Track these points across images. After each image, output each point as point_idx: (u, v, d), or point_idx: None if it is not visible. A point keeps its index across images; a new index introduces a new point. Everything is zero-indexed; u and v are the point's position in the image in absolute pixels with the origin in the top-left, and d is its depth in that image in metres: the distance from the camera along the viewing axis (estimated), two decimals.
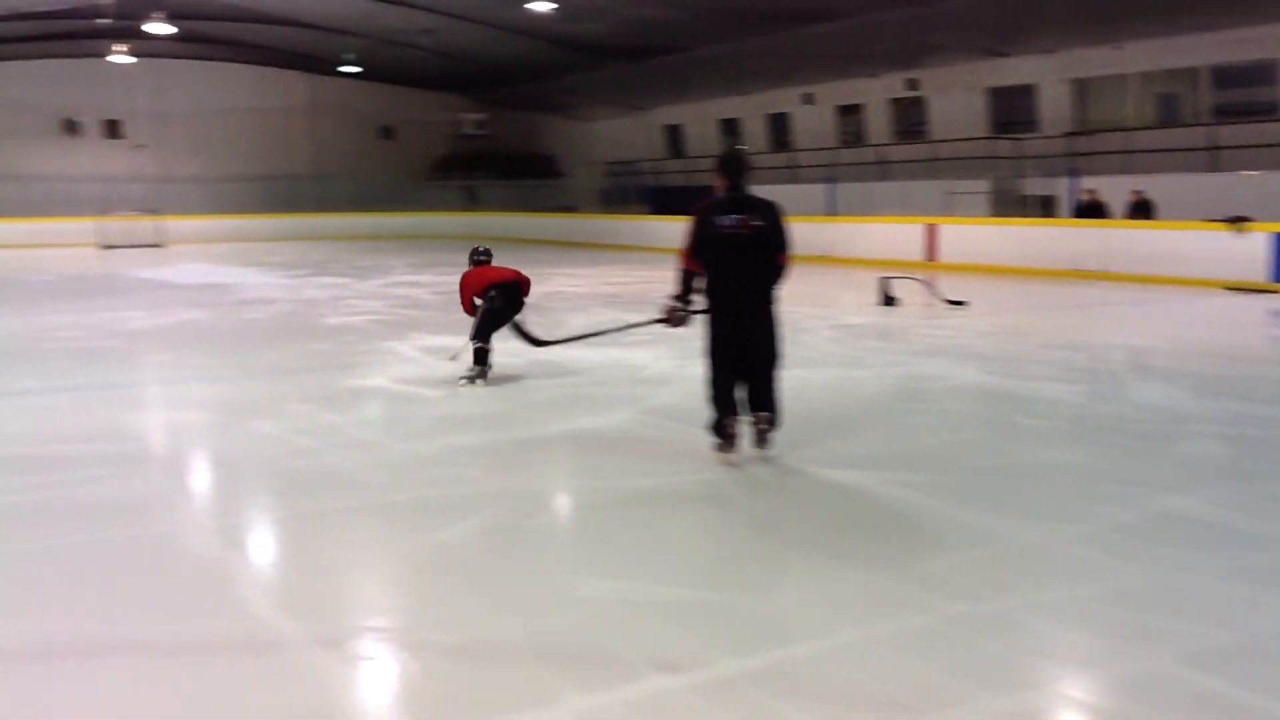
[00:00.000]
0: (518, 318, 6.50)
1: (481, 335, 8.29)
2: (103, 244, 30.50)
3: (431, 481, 5.66)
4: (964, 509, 5.07)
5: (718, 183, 5.77)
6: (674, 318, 5.88)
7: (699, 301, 5.80)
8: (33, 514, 5.16)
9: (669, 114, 34.11)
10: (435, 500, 5.33)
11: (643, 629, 3.75)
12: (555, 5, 22.53)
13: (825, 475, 5.67)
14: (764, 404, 5.81)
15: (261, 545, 4.94)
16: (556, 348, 8.82)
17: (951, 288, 14.13)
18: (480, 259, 8.94)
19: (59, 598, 4.13)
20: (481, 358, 8.34)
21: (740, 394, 5.80)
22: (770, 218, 5.70)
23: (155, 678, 3.45)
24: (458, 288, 8.64)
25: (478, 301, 8.36)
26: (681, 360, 9.31)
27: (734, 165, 5.83)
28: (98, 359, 10.13)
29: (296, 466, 5.99)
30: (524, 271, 8.67)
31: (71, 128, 34.47)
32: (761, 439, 5.86)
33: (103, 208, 32.40)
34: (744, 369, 5.74)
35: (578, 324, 12.00)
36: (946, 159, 23.78)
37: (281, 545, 4.89)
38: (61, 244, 30.69)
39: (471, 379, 8.29)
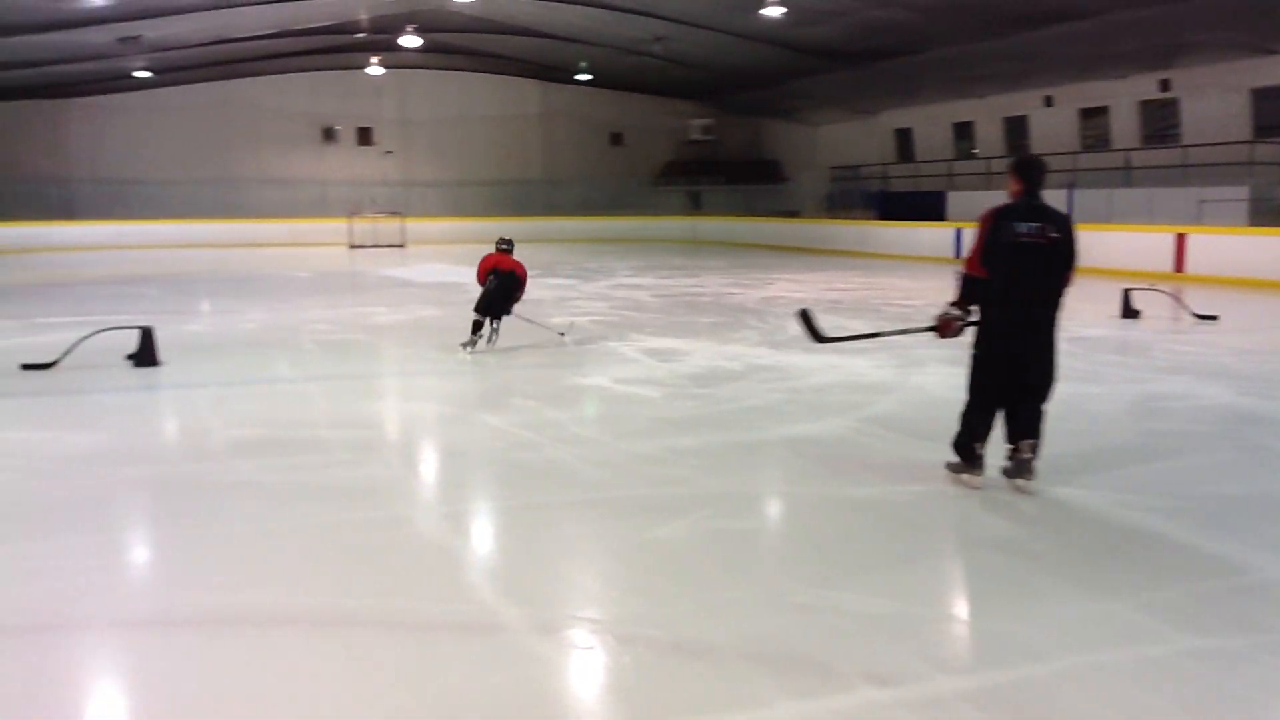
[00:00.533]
0: (805, 309, 6.49)
1: (480, 309, 10.07)
2: (351, 244, 32.69)
3: (648, 480, 5.76)
4: (1208, 538, 4.73)
5: (1012, 187, 5.33)
6: (952, 327, 5.49)
7: (974, 312, 5.45)
8: (284, 492, 5.60)
9: (898, 117, 33.33)
10: (651, 499, 5.43)
11: (855, 639, 3.70)
12: (786, 9, 22.45)
13: (1057, 494, 5.41)
14: (1031, 430, 5.38)
15: (486, 533, 5.17)
16: (826, 346, 8.64)
17: (1200, 301, 13.18)
18: (502, 248, 10.45)
19: (304, 569, 4.46)
20: (476, 328, 10.07)
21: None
22: (1066, 230, 5.25)
23: (385, 651, 3.67)
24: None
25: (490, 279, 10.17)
26: (903, 368, 9.12)
27: (1033, 170, 5.36)
28: (345, 351, 10.86)
29: (521, 459, 6.23)
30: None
31: (329, 135, 37.07)
32: (1024, 469, 5.39)
33: (352, 210, 34.77)
34: (1015, 390, 5.37)
35: (798, 330, 11.90)
36: (1199, 164, 22.16)
37: (504, 533, 5.10)
38: (316, 243, 33.12)
39: (465, 345, 10.03)
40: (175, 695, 3.36)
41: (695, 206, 38.96)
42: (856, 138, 35.14)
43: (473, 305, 10.20)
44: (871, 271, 21.96)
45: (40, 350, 9.74)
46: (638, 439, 6.71)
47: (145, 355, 9.39)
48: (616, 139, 40.28)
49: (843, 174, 35.10)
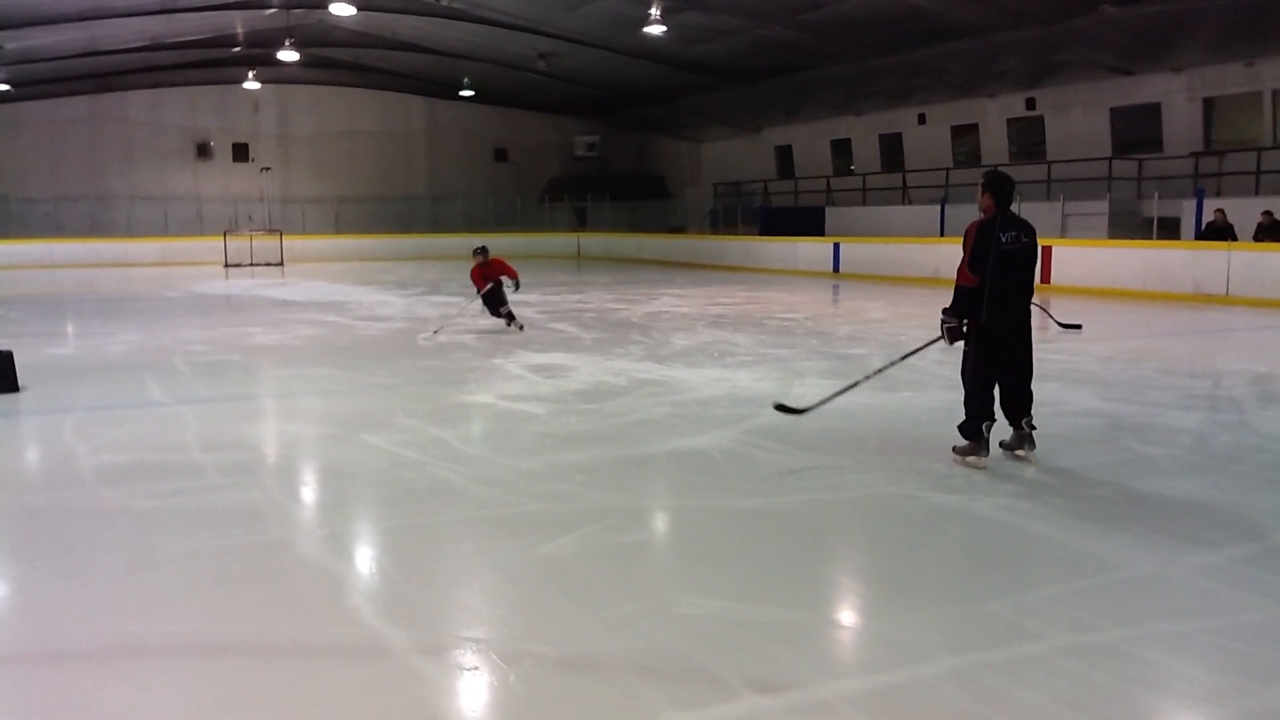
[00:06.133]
0: (779, 404, 7.00)
1: (493, 312, 13.39)
2: (227, 263, 31.78)
3: (535, 496, 5.73)
4: (1077, 537, 4.92)
5: (985, 202, 6.17)
6: (957, 334, 6.23)
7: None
8: (156, 518, 5.40)
9: (779, 134, 34.01)
10: (538, 515, 5.40)
11: (742, 648, 3.73)
12: (668, 28, 22.70)
13: (929, 499, 5.57)
14: (1027, 406, 6.30)
15: (369, 554, 5.06)
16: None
17: (1066, 311, 13.74)
18: (479, 258, 13.40)
19: (180, 597, 4.30)
20: (510, 317, 13.33)
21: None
22: (1032, 237, 6.17)
23: (267, 678, 3.56)
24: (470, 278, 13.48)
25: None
26: (784, 379, 9.28)
27: (1003, 185, 6.16)
28: (221, 372, 10.53)
29: (405, 478, 6.13)
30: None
31: (203, 151, 36.05)
32: (1027, 440, 6.33)
33: (229, 227, 33.82)
34: (1007, 376, 6.22)
35: (682, 344, 12.04)
36: (1064, 180, 23.17)
37: (388, 554, 5.00)
38: (190, 262, 32.10)
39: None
40: None
41: (581, 223, 39.05)
42: (740, 154, 35.74)
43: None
44: (755, 285, 22.31)
45: None
46: (524, 455, 6.67)
47: (3, 380, 8.93)
48: (502, 155, 40.16)
49: (726, 190, 35.64)
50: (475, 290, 13.42)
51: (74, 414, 8.21)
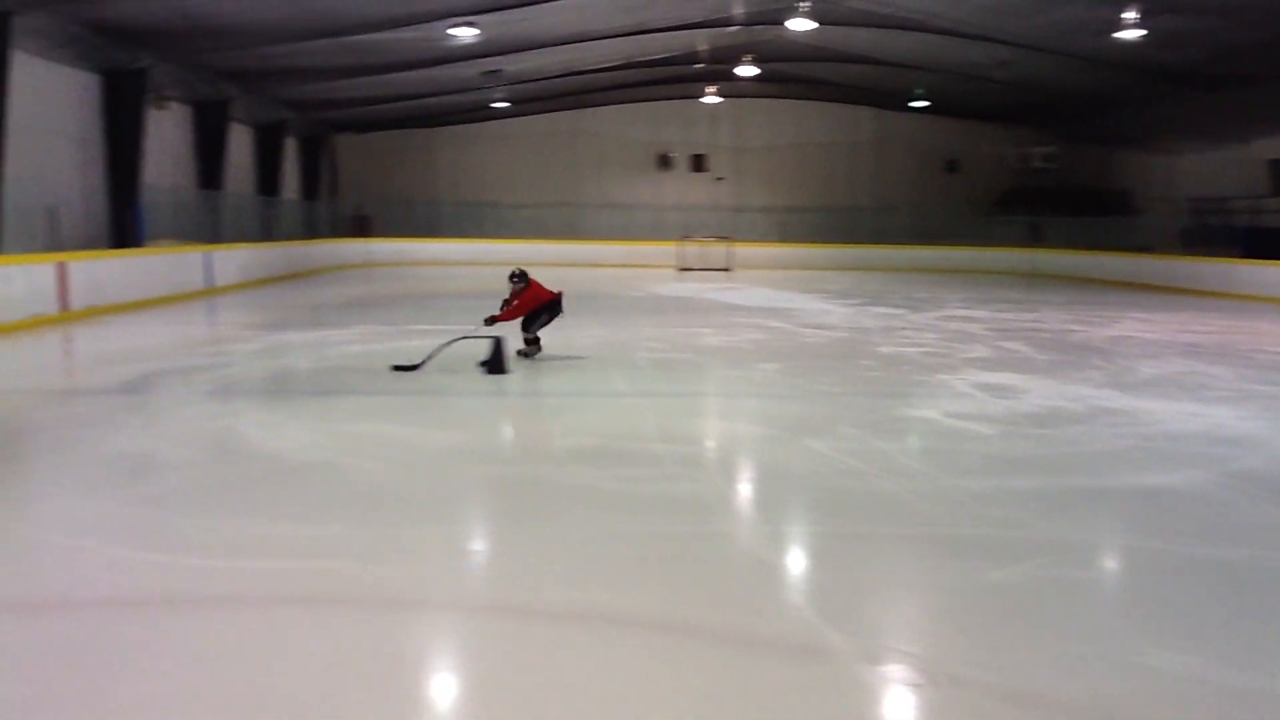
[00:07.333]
0: None
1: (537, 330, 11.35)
2: (680, 266, 33.75)
3: (982, 520, 5.52)
4: None
5: None
6: None
7: None
8: (618, 499, 5.85)
9: (1273, 147, 30.18)
10: (985, 539, 5.20)
11: (1213, 712, 3.36)
12: (1145, 32, 20.92)
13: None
14: None
15: (809, 556, 5.14)
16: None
17: None
18: (520, 284, 11.27)
19: (635, 574, 4.63)
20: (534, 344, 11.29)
21: None
22: None
23: (711, 662, 3.75)
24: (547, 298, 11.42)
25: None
26: (1275, 421, 8.23)
27: None
28: (675, 369, 11.19)
29: (846, 486, 6.16)
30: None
31: (664, 162, 38.53)
32: None
33: (683, 234, 35.92)
34: None
35: (1149, 373, 11.05)
36: None
37: (828, 559, 5.05)
38: (647, 264, 34.46)
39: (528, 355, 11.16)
40: (504, 678, 3.58)
41: (1034, 238, 37.03)
42: (1220, 168, 32.12)
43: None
44: (1237, 314, 19.96)
45: (407, 354, 10.78)
46: (971, 476, 6.45)
47: (496, 363, 10.13)
48: (952, 166, 39.11)
49: (1203, 207, 32.20)
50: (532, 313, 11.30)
51: (551, 398, 9.13)
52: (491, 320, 10.77)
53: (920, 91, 33.39)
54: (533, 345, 11.32)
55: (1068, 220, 36.15)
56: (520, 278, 11.32)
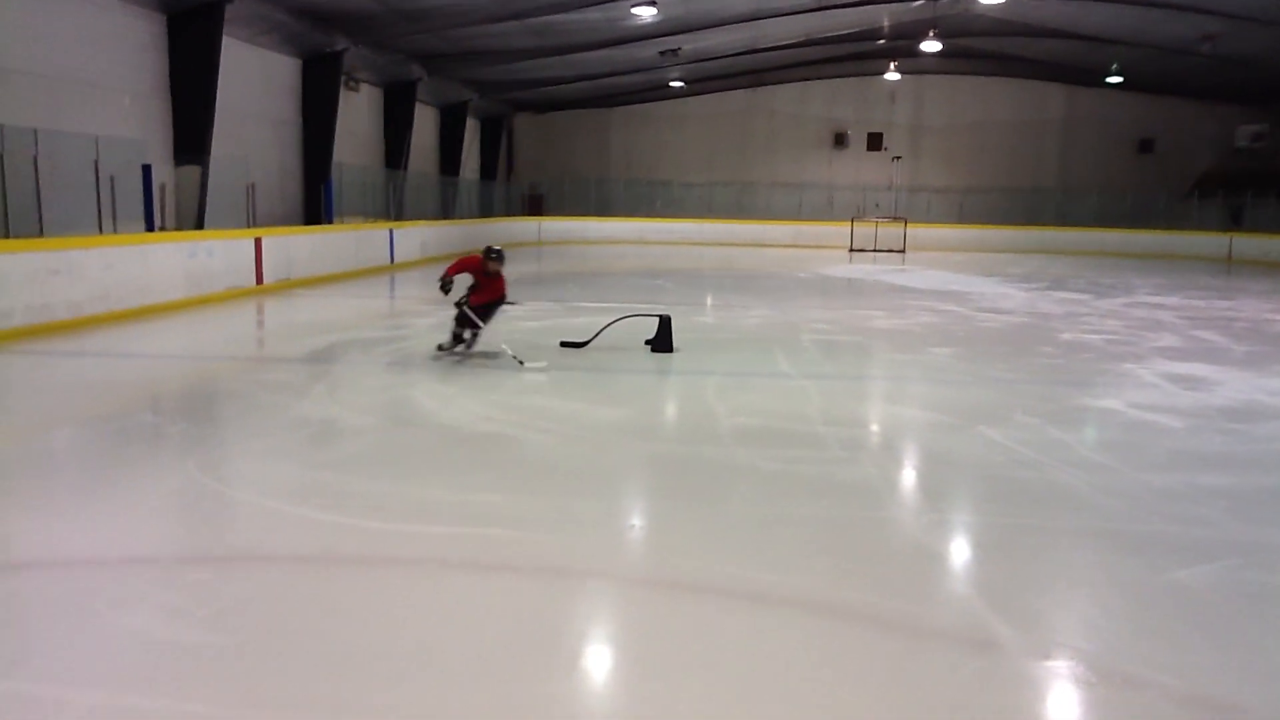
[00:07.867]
0: None
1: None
2: (851, 248, 33.19)
3: (1167, 517, 5.24)
4: None
5: None
6: None
7: None
8: (782, 481, 5.81)
9: None
10: (1170, 537, 4.93)
11: None
12: None
13: None
14: None
15: (981, 546, 4.98)
16: None
17: None
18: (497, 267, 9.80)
19: (799, 558, 4.59)
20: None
21: None
22: None
23: (877, 649, 3.69)
24: None
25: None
26: None
27: None
28: (841, 351, 11.03)
29: (1021, 477, 5.95)
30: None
31: (839, 141, 37.88)
32: None
33: (856, 214, 35.29)
34: None
35: None
36: None
37: (1000, 550, 4.88)
38: (817, 245, 34.04)
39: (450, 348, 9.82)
40: (663, 653, 3.61)
41: (1235, 223, 34.75)
42: None
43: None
44: None
45: (575, 331, 10.99)
46: (1155, 471, 6.13)
47: (662, 341, 10.20)
48: (1146, 146, 37.06)
49: None
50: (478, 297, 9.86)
51: (715, 377, 9.13)
52: (447, 285, 9.52)
53: (1116, 67, 31.73)
54: (462, 340, 9.86)
55: (1273, 204, 33.74)
56: (499, 258, 9.85)
